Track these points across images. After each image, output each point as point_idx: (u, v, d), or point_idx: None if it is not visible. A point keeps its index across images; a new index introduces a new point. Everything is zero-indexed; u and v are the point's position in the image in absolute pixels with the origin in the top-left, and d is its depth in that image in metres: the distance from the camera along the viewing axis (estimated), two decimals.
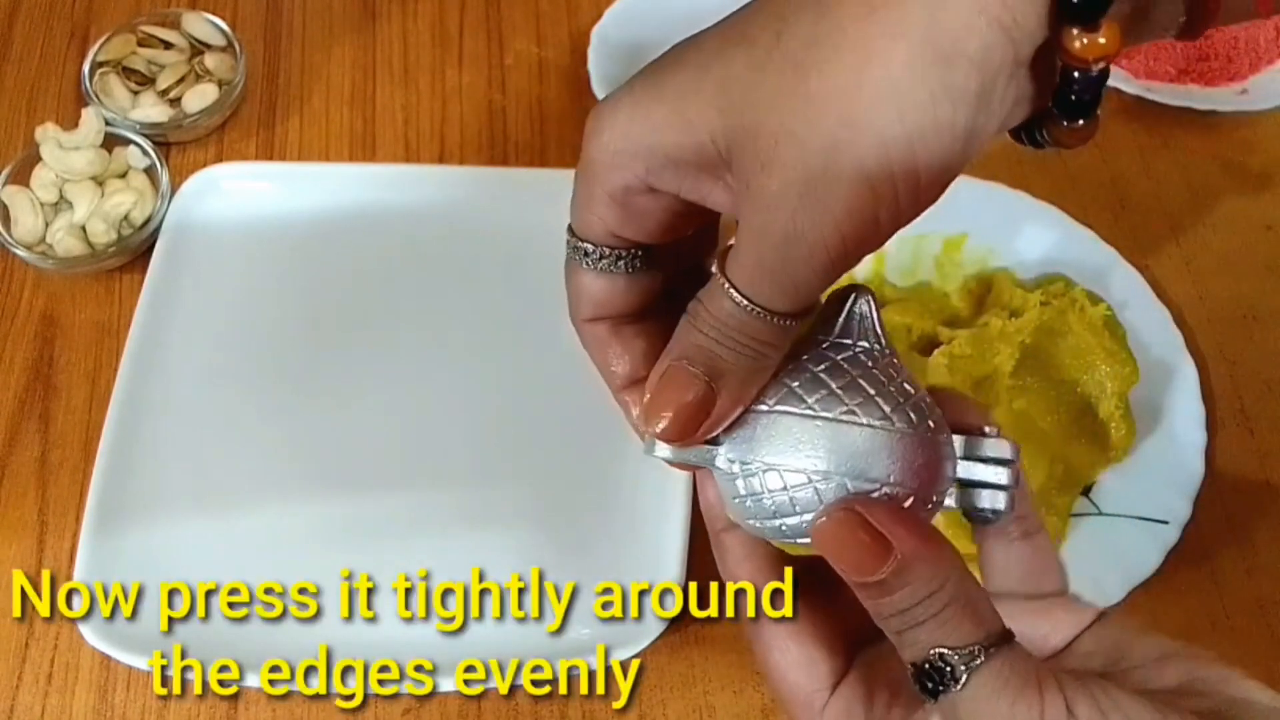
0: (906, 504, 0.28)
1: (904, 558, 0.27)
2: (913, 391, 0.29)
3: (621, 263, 0.30)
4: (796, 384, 0.29)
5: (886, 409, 0.28)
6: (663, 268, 0.32)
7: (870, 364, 0.29)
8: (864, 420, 0.28)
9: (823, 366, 0.29)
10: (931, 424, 0.29)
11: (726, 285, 0.28)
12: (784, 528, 0.29)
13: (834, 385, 0.29)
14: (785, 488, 0.28)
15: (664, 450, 0.30)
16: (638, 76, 0.29)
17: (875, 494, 0.28)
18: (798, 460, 0.28)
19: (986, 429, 0.30)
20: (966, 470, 0.30)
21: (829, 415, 0.28)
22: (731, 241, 0.28)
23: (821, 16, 0.25)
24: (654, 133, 0.28)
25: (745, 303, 0.27)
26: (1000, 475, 0.30)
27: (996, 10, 0.24)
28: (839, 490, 0.28)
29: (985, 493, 0.30)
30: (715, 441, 0.30)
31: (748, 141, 0.26)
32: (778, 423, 0.29)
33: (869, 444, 0.28)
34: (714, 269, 0.28)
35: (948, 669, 0.26)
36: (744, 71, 0.26)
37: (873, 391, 0.29)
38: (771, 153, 0.26)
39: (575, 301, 0.32)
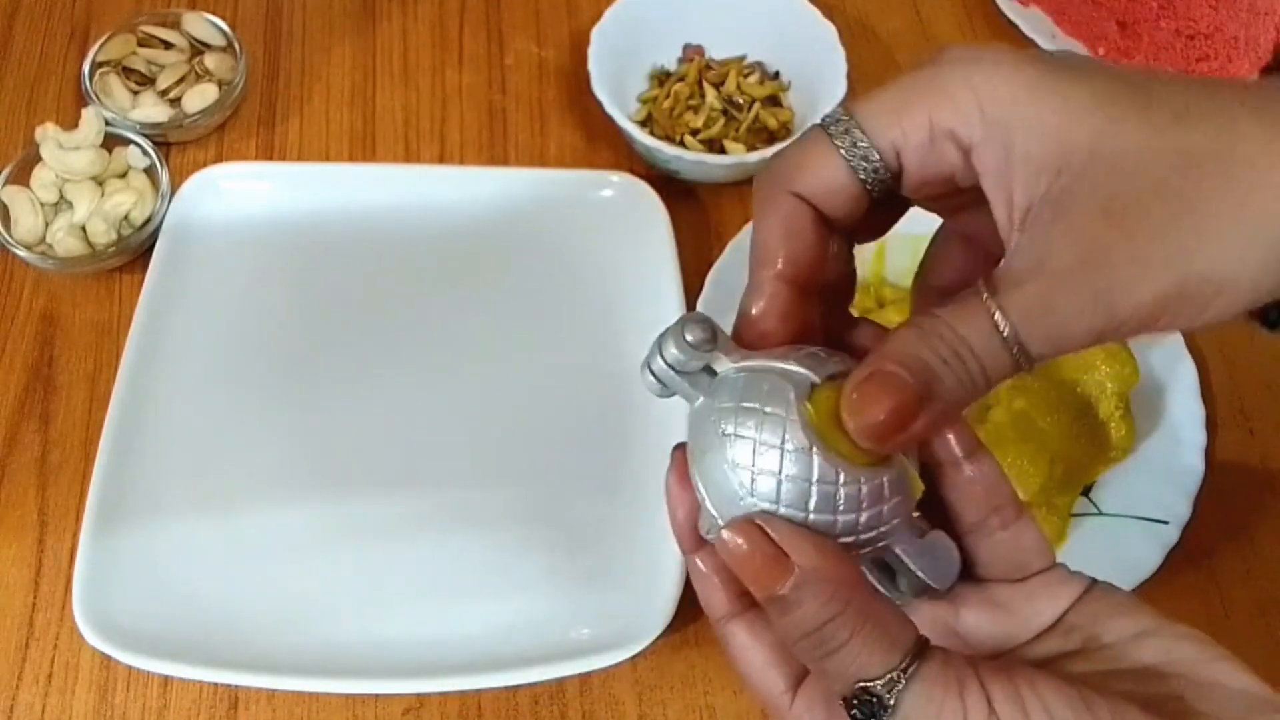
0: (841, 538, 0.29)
1: (802, 572, 0.27)
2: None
3: (873, 169, 0.29)
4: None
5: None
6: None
7: None
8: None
9: None
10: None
11: (995, 310, 0.27)
12: (723, 505, 0.29)
13: None
14: (751, 465, 0.28)
15: (659, 368, 0.30)
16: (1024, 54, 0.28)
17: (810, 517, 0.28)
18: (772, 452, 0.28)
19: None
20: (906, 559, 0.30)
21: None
22: (994, 271, 0.28)
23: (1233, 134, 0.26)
24: (1029, 101, 0.27)
25: (1008, 332, 0.27)
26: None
27: None
28: (793, 493, 0.28)
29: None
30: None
31: (1111, 185, 0.26)
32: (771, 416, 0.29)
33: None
34: (980, 292, 0.27)
35: (875, 699, 0.27)
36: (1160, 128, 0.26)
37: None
38: (1132, 215, 0.26)
39: (793, 169, 0.30)
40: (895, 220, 0.33)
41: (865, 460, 0.28)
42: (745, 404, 0.29)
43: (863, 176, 0.29)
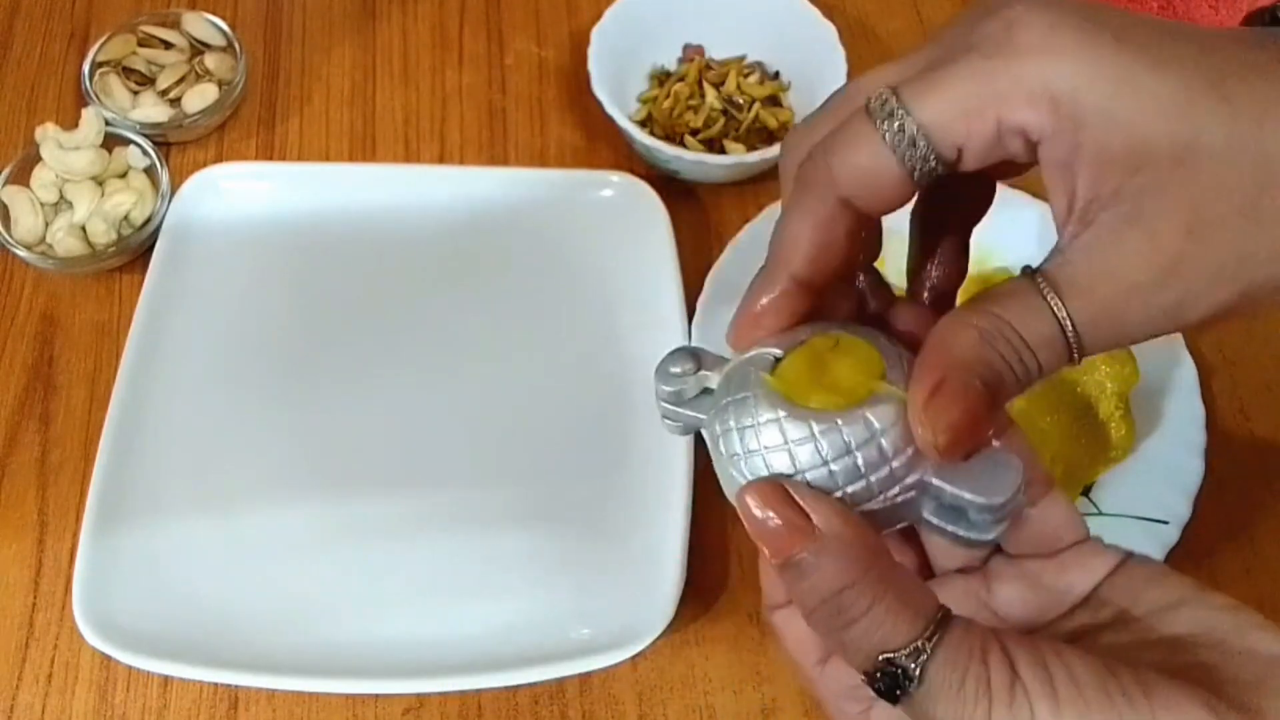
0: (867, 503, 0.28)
1: (822, 536, 0.26)
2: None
3: (929, 169, 0.28)
4: None
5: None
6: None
7: None
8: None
9: None
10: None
11: (1063, 314, 0.27)
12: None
13: None
14: (739, 452, 0.29)
15: (664, 409, 0.32)
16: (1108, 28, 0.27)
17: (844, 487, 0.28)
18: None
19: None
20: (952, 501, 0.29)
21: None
22: (1049, 265, 0.28)
23: None
24: (1111, 95, 0.26)
25: (1072, 334, 0.27)
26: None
27: None
28: (779, 461, 0.28)
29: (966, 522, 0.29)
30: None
31: (1194, 194, 0.26)
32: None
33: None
34: (1041, 289, 0.28)
35: (899, 671, 0.26)
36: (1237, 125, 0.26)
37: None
38: (1211, 228, 0.26)
39: (843, 172, 0.29)
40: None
41: (839, 404, 0.28)
42: (722, 401, 0.30)
43: (918, 177, 0.29)
